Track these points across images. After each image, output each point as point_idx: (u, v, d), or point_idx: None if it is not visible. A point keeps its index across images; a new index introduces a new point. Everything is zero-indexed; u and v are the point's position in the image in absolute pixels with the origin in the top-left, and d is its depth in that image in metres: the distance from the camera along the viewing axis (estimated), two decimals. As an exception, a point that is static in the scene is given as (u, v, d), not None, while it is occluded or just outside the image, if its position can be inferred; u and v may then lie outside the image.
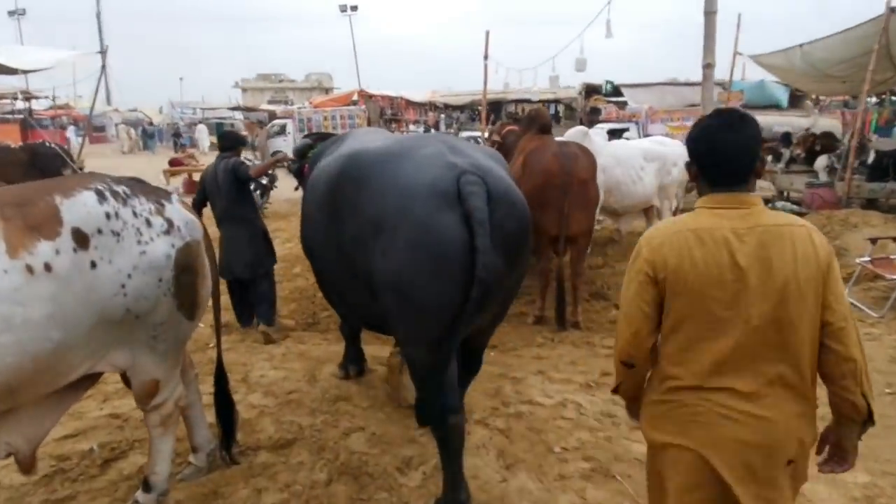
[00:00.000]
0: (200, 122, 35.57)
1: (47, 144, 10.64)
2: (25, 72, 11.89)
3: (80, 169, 12.92)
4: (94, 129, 39.15)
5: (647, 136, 14.27)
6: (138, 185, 2.74)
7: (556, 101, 27.57)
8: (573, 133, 7.35)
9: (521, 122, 6.81)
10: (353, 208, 2.73)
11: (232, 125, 36.56)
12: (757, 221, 1.71)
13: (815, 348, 1.71)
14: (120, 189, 2.58)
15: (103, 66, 14.11)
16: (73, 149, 31.65)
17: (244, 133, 30.83)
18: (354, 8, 31.94)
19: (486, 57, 11.93)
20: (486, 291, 2.35)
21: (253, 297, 5.43)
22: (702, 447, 1.74)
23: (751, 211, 1.74)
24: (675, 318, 1.75)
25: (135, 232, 2.50)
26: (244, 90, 51.54)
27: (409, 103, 28.36)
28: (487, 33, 11.88)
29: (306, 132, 24.96)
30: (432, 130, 17.81)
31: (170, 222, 2.65)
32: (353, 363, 4.34)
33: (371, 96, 26.98)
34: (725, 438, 1.71)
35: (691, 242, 1.71)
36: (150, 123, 37.41)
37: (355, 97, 27.55)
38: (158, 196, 2.73)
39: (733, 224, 1.71)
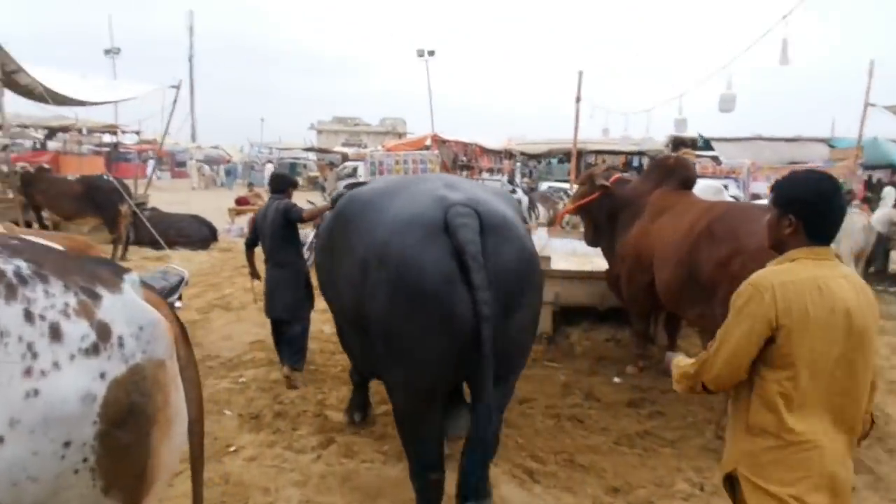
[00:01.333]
0: (268, 162, 35.93)
1: (105, 178, 10.05)
2: (94, 104, 11.49)
3: (142, 204, 12.36)
4: (176, 165, 40.59)
5: (753, 195, 12.59)
6: (63, 259, 1.52)
7: (640, 154, 26.00)
8: (704, 188, 5.91)
9: (651, 173, 5.41)
10: (347, 248, 2.65)
11: (305, 166, 37.01)
12: (844, 272, 1.91)
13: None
14: (14, 265, 1.35)
15: (175, 101, 13.68)
16: (154, 182, 32.58)
17: (316, 174, 30.79)
18: (432, 52, 31.69)
19: (578, 99, 10.67)
20: (490, 330, 2.17)
21: (286, 338, 5.27)
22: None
23: (837, 263, 1.93)
24: (790, 363, 1.84)
25: (22, 350, 1.29)
26: (319, 132, 52.34)
27: (484, 150, 27.40)
28: (581, 74, 10.66)
29: (377, 175, 24.51)
30: (504, 178, 16.60)
31: (103, 331, 1.42)
32: (359, 409, 4.16)
33: (444, 141, 26.24)
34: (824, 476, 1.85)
35: (812, 290, 1.82)
36: (227, 161, 38.11)
37: (428, 142, 26.93)
38: (95, 281, 1.50)
39: (834, 273, 1.88)
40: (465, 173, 24.94)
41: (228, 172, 35.03)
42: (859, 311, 1.85)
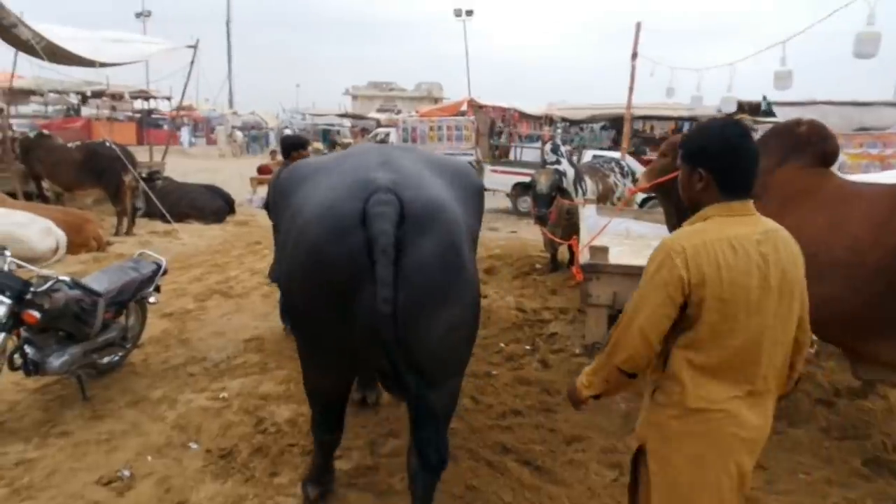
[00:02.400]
0: (285, 128, 35.18)
1: (107, 144, 9.18)
2: (104, 65, 10.63)
3: (156, 173, 11.56)
4: (212, 131, 40.23)
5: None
6: None
7: (692, 120, 24.18)
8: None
9: (770, 143, 4.07)
10: (280, 223, 2.66)
11: (338, 132, 36.13)
12: (766, 227, 1.77)
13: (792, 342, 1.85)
14: None
15: (192, 62, 12.81)
16: (185, 149, 32.11)
17: (349, 141, 29.83)
18: (469, 12, 30.16)
19: (634, 55, 9.29)
20: (391, 330, 2.03)
21: None
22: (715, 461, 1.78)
23: (757, 218, 1.79)
24: (704, 330, 1.74)
25: None
26: (354, 98, 51.53)
27: (523, 116, 25.96)
28: (638, 25, 9.24)
29: (410, 142, 23.39)
30: (548, 146, 15.27)
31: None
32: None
33: (481, 107, 24.93)
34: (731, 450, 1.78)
35: (726, 251, 1.70)
36: (253, 128, 37.50)
37: (464, 107, 25.65)
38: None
39: (752, 231, 1.74)
40: (501, 139, 23.69)
41: (254, 139, 34.28)
42: (782, 266, 1.75)
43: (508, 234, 11.88)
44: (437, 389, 2.34)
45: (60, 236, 7.49)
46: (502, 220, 14.10)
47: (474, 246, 2.65)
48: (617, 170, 8.11)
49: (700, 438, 1.77)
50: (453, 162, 2.92)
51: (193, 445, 3.57)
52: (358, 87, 53.73)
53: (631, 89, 9.35)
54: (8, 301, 3.46)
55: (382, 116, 33.40)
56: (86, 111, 34.44)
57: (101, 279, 4.18)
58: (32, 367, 3.79)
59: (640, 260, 4.85)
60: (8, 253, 3.75)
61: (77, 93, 32.07)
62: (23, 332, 3.70)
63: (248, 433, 3.72)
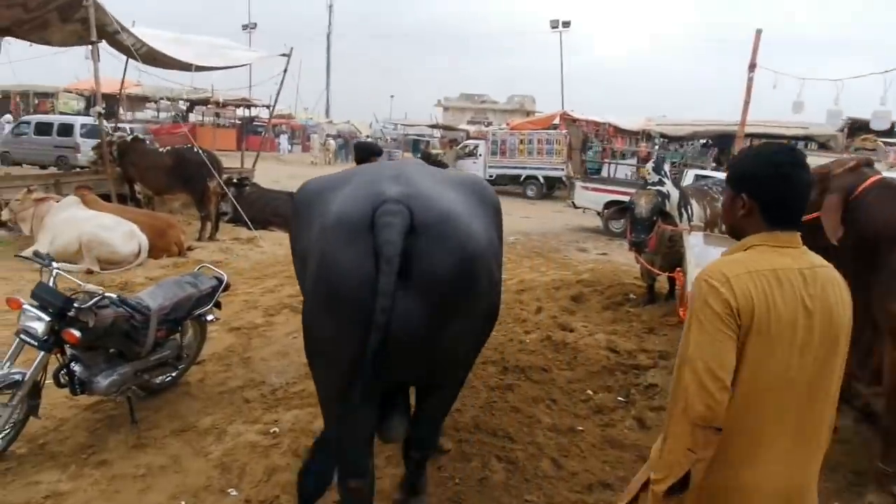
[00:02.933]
0: (367, 137, 35.65)
1: (195, 150, 9.25)
2: (200, 68, 10.85)
3: (244, 179, 11.66)
4: (308, 139, 41.59)
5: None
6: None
7: (807, 139, 22.23)
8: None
9: None
10: (295, 238, 2.67)
11: (428, 143, 36.29)
12: (812, 262, 1.62)
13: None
14: None
15: (285, 69, 12.92)
16: (281, 156, 33.19)
17: (438, 151, 29.79)
18: (567, 24, 29.41)
19: (752, 66, 8.31)
20: (392, 341, 2.01)
21: None
22: None
23: (804, 251, 1.65)
24: (744, 368, 1.53)
25: None
26: (445, 109, 51.69)
27: (618, 130, 24.82)
28: (759, 33, 8.26)
29: (499, 155, 22.90)
30: (650, 164, 14.45)
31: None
32: None
33: (574, 120, 24.11)
34: None
35: (772, 283, 1.54)
36: (337, 136, 38.41)
37: (557, 120, 24.92)
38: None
39: (799, 264, 1.59)
40: (592, 154, 22.72)
41: (342, 147, 34.98)
42: (829, 309, 1.57)
43: (598, 257, 11.09)
44: (438, 393, 2.47)
45: (143, 240, 7.52)
46: (591, 240, 13.27)
47: (497, 262, 2.54)
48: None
49: (718, 496, 1.59)
50: (470, 177, 2.89)
51: (233, 492, 3.17)
52: (450, 98, 53.90)
53: (747, 103, 8.36)
54: (47, 318, 3.21)
55: (472, 128, 33.12)
56: (192, 118, 36.58)
57: (155, 294, 3.91)
58: (79, 387, 3.54)
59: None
60: (55, 265, 3.53)
61: (185, 100, 34.16)
62: (69, 350, 3.46)
63: (292, 483, 3.28)
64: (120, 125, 16.44)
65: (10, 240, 8.12)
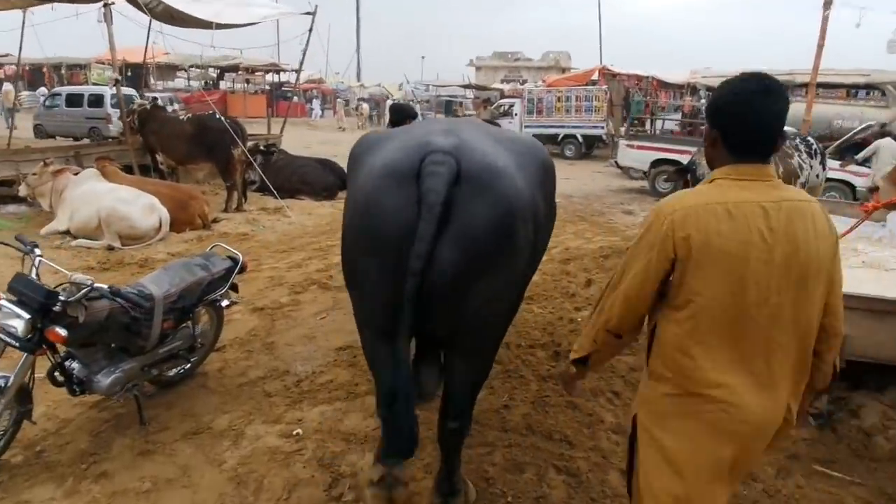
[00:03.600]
0: (387, 98, 34.86)
1: (217, 117, 8.76)
2: (220, 26, 10.29)
3: (272, 146, 11.19)
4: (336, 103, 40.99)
5: None
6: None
7: (869, 87, 20.56)
8: None
9: None
10: (350, 183, 2.64)
11: (461, 104, 35.34)
12: (782, 195, 1.61)
13: (817, 328, 1.68)
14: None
15: (310, 29, 12.27)
16: (312, 121, 32.71)
17: (472, 112, 28.83)
18: (606, -28, 27.69)
19: (827, 3, 7.33)
20: (428, 286, 2.02)
21: None
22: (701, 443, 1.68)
23: (774, 184, 1.63)
24: (690, 300, 1.61)
25: None
26: (478, 68, 50.46)
27: (662, 84, 23.50)
28: (836, -37, 7.26)
29: (535, 114, 21.93)
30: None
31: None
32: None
33: (615, 75, 22.91)
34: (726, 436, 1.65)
35: (720, 216, 1.57)
36: (369, 99, 37.78)
37: (595, 76, 23.68)
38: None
39: (761, 197, 1.59)
40: (635, 110, 21.55)
41: (373, 110, 34.34)
42: (794, 242, 1.57)
43: (647, 220, 10.34)
44: (472, 358, 2.40)
45: (164, 214, 7.11)
46: (637, 201, 12.47)
47: (547, 224, 2.58)
48: (803, 148, 6.39)
49: (691, 421, 1.66)
50: (523, 136, 2.82)
51: (246, 513, 2.73)
52: (482, 57, 52.48)
53: (820, 47, 7.41)
54: (27, 316, 2.75)
55: (507, 87, 32.01)
56: (223, 85, 36.26)
57: (159, 280, 3.45)
58: (78, 386, 3.13)
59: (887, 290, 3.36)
60: (38, 251, 3.07)
61: (215, 67, 33.83)
62: (61, 347, 3.03)
63: (317, 499, 2.82)
64: (147, 94, 16.15)
65: (31, 215, 7.83)
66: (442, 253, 2.03)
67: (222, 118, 8.68)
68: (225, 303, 3.88)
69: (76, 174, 7.15)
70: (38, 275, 2.96)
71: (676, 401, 1.67)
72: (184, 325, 3.63)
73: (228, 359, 4.30)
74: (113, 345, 3.24)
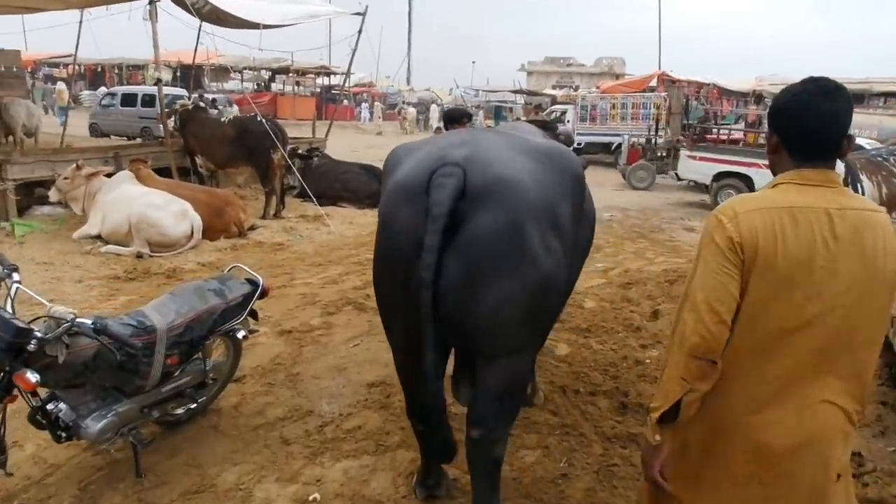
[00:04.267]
0: (433, 104, 34.54)
1: (259, 120, 8.39)
2: (267, 26, 9.98)
3: (317, 150, 10.83)
4: (389, 107, 41.04)
5: None
6: None
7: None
8: None
9: None
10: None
11: (511, 109, 34.72)
12: (848, 203, 1.54)
13: (880, 346, 1.61)
14: None
15: (360, 30, 11.92)
16: (361, 125, 32.60)
17: (521, 118, 28.16)
18: (667, -25, 26.67)
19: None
20: (439, 298, 2.08)
21: None
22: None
23: (840, 191, 1.56)
24: (748, 311, 1.52)
25: None
26: (529, 73, 49.74)
27: (723, 91, 22.34)
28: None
29: (588, 122, 21.10)
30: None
31: None
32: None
33: (674, 81, 21.90)
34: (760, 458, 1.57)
35: (784, 220, 1.50)
36: (418, 104, 37.60)
37: (654, 82, 22.72)
38: None
39: (827, 203, 1.52)
40: (694, 119, 20.48)
41: (421, 114, 34.02)
42: (861, 253, 1.49)
43: (712, 239, 9.49)
44: (491, 365, 2.36)
45: (196, 220, 6.75)
46: (698, 216, 11.60)
47: (578, 228, 2.56)
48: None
49: (718, 437, 1.60)
50: (552, 145, 2.71)
51: None
52: (534, 62, 51.73)
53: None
54: (-11, 357, 2.30)
55: (559, 93, 31.18)
56: (274, 87, 36.58)
57: (165, 308, 2.98)
58: (64, 432, 2.68)
59: None
60: (16, 276, 2.62)
61: (267, 69, 34.12)
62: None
63: None
64: (197, 95, 16.11)
65: (66, 217, 7.59)
66: (447, 264, 2.07)
67: (263, 120, 8.31)
68: (241, 334, 3.38)
69: (109, 176, 6.86)
70: (12, 305, 2.51)
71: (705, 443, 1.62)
72: (193, 359, 3.16)
73: (247, 392, 3.82)
74: (106, 385, 2.78)
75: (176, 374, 3.06)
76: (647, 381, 4.01)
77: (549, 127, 3.86)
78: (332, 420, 3.56)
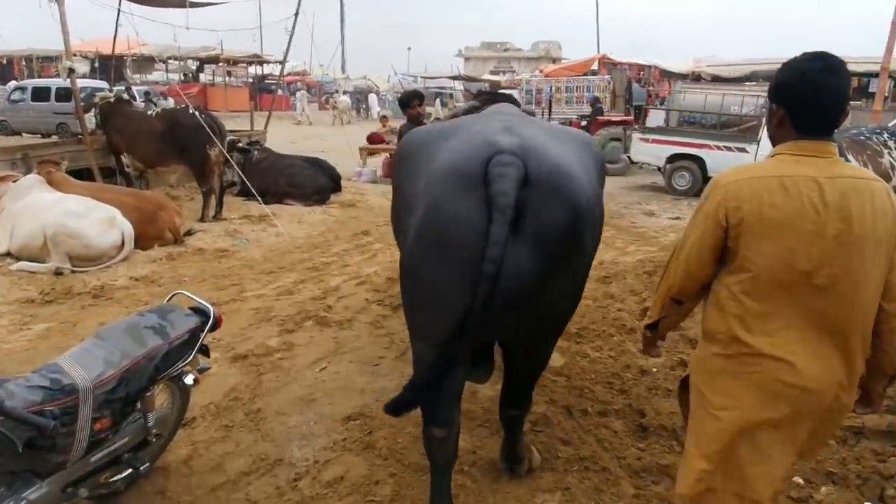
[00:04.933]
0: (370, 92, 33.83)
1: (191, 112, 7.54)
2: (193, 4, 9.06)
3: (257, 143, 10.00)
4: (324, 96, 39.78)
5: None
6: None
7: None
8: None
9: None
10: (398, 187, 2.65)
11: (451, 95, 34.22)
12: (839, 172, 1.66)
13: (876, 307, 1.70)
14: None
15: (297, 12, 11.12)
16: (298, 115, 31.34)
17: (460, 104, 27.69)
18: (603, -43, 26.62)
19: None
20: (501, 291, 1.96)
21: None
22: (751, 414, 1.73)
23: (833, 161, 1.69)
24: (744, 267, 1.70)
25: None
26: (467, 59, 49.42)
27: (664, 74, 22.53)
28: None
29: (534, 105, 20.81)
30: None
31: None
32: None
33: (616, 64, 21.87)
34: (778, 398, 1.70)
35: (773, 189, 1.64)
36: (355, 92, 36.63)
37: (595, 65, 22.62)
38: None
39: (817, 173, 1.65)
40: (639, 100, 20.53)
41: (357, 103, 32.98)
42: (848, 217, 1.61)
43: (673, 222, 9.31)
44: (532, 355, 2.53)
45: (126, 228, 5.92)
46: (655, 200, 11.47)
47: (599, 222, 2.38)
48: (892, 144, 5.39)
49: (740, 381, 1.72)
50: (574, 131, 2.71)
51: None
52: (471, 48, 51.49)
53: (895, 24, 6.35)
54: None
55: (503, 78, 30.89)
56: (203, 78, 34.69)
57: (89, 359, 2.31)
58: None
59: None
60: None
61: (195, 59, 32.25)
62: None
63: None
64: (123, 87, 14.83)
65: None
66: (516, 257, 1.98)
67: (196, 112, 7.46)
68: (190, 379, 2.74)
69: (15, 181, 5.93)
70: None
71: (725, 361, 1.75)
72: (130, 415, 2.51)
73: (199, 440, 3.18)
74: (12, 470, 2.11)
75: (108, 438, 2.40)
76: (660, 396, 3.59)
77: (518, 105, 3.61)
78: (306, 470, 2.97)
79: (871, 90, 20.92)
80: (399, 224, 2.59)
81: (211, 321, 2.78)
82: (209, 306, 2.81)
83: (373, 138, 13.20)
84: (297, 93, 37.43)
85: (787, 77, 1.69)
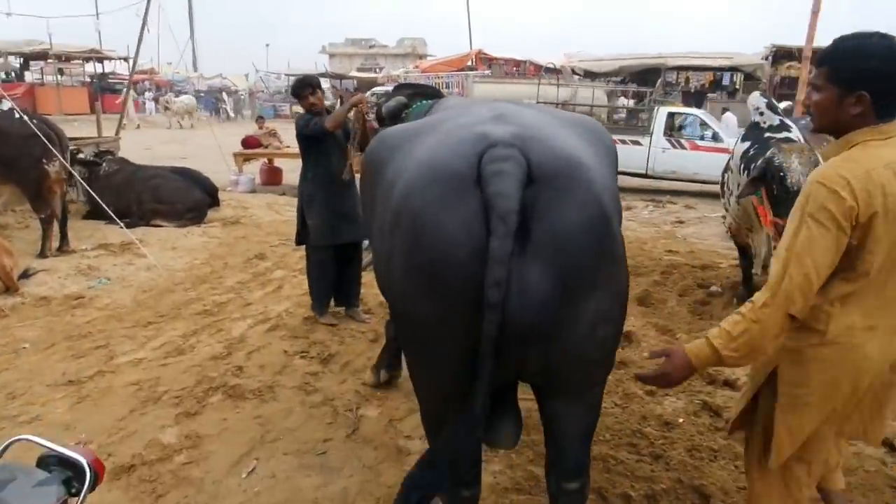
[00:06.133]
0: (223, 92, 31.69)
1: (18, 117, 5.79)
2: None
3: (109, 153, 8.26)
4: (176, 96, 36.35)
5: None
6: None
7: (733, 70, 21.25)
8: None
9: None
10: (372, 200, 2.21)
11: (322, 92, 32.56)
12: None
13: None
14: None
15: (147, 7, 9.43)
16: (149, 117, 28.16)
17: (333, 103, 26.35)
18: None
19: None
20: (513, 322, 1.60)
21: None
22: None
23: None
24: (866, 266, 1.63)
25: None
26: (332, 56, 47.94)
27: (539, 68, 22.90)
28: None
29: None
30: (755, 101, 12.69)
31: None
32: (388, 365, 3.57)
33: (493, 59, 21.75)
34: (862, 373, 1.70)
35: (890, 178, 1.58)
36: (208, 91, 34.01)
37: (471, 61, 22.39)
38: None
39: None
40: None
41: (211, 105, 30.34)
42: None
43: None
44: (579, 401, 1.91)
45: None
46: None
47: (620, 217, 2.04)
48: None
49: (833, 364, 1.69)
50: (580, 116, 2.42)
51: None
52: (335, 44, 50.03)
53: (815, 14, 6.23)
54: None
55: (379, 75, 29.83)
56: (29, 76, 30.16)
57: None
58: None
59: None
60: None
61: (18, 55, 27.94)
62: None
63: None
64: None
65: None
66: (527, 275, 1.60)
67: (26, 117, 5.73)
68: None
69: None
70: None
71: (819, 349, 1.70)
72: None
73: None
74: None
75: None
76: (706, 460, 2.85)
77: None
78: None
79: (724, 83, 22.64)
80: (380, 252, 2.05)
81: (88, 480, 1.57)
82: (79, 456, 1.60)
83: (248, 142, 11.67)
84: (146, 92, 33.84)
85: (868, 63, 1.60)
